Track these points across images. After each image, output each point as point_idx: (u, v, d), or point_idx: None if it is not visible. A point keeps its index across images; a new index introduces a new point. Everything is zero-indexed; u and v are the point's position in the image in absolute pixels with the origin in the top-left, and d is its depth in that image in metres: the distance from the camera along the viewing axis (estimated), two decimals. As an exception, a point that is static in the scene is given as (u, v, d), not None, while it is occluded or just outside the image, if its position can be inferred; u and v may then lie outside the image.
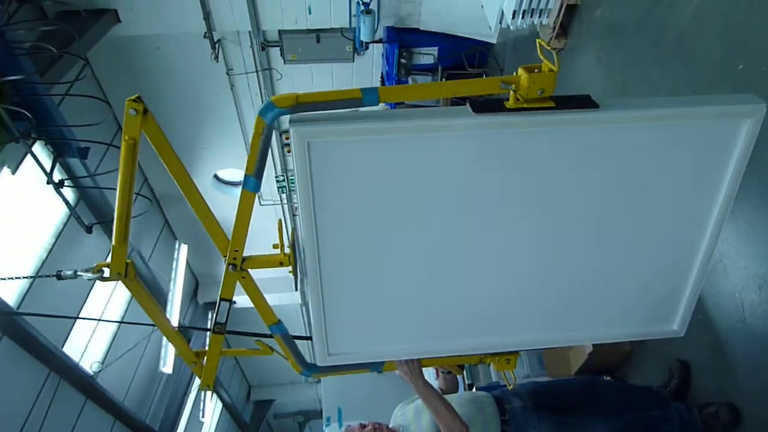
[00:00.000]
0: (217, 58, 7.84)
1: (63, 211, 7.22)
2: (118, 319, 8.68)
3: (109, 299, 8.49)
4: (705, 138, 1.80)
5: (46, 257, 6.98)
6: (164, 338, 8.30)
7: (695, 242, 2.00)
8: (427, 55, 7.79)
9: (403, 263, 1.93)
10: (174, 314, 8.60)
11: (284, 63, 8.29)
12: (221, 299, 2.14)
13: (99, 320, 8.17)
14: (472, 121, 1.64)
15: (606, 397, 2.90)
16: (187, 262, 10.24)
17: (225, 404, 14.05)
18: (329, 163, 1.67)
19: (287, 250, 2.10)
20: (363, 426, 2.64)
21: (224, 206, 10.28)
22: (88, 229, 7.25)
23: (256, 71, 8.35)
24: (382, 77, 8.67)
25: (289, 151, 9.74)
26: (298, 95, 1.58)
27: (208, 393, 2.36)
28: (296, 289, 2.31)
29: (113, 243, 1.98)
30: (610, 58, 4.53)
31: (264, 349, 2.48)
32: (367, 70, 8.82)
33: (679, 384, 3.25)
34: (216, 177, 10.20)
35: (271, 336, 2.32)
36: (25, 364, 6.65)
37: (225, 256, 2.00)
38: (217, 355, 2.34)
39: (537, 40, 1.78)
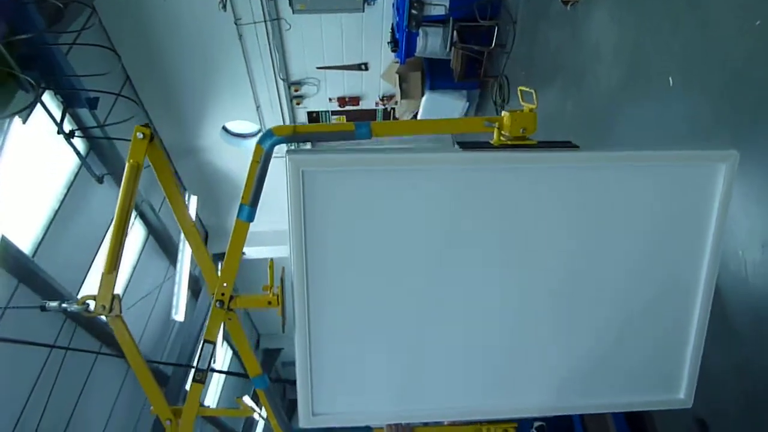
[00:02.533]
0: (225, 7, 7.73)
1: (74, 161, 7.27)
2: (126, 282, 8.84)
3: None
4: (684, 184, 1.82)
5: (59, 207, 7.07)
6: (176, 286, 8.48)
7: (690, 298, 1.94)
8: (438, 6, 7.64)
9: (393, 310, 1.90)
10: (185, 266, 8.75)
11: (293, 13, 8.17)
12: (205, 341, 2.07)
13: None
14: (459, 156, 1.72)
15: None
16: (197, 214, 10.33)
17: (235, 352, 14.42)
18: (322, 192, 1.71)
19: (276, 290, 2.07)
20: None
21: (232, 158, 10.35)
22: (100, 180, 7.32)
23: (265, 21, 8.24)
24: (392, 29, 8.53)
25: (298, 103, 9.70)
26: (296, 126, 1.70)
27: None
28: (283, 332, 2.30)
29: (103, 272, 1.94)
30: (623, 16, 4.45)
31: (244, 408, 2.43)
32: (377, 21, 8.67)
33: None
34: (224, 129, 10.19)
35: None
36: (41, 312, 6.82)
37: (213, 294, 1.97)
38: (194, 411, 2.26)
39: (519, 88, 1.83)
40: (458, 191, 1.77)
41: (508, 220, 1.81)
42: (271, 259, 2.12)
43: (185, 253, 9.04)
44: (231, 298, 1.99)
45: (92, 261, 7.81)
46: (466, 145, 1.72)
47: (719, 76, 3.24)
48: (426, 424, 2.48)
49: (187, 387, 8.30)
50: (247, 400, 8.46)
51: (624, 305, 1.96)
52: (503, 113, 1.71)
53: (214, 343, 2.08)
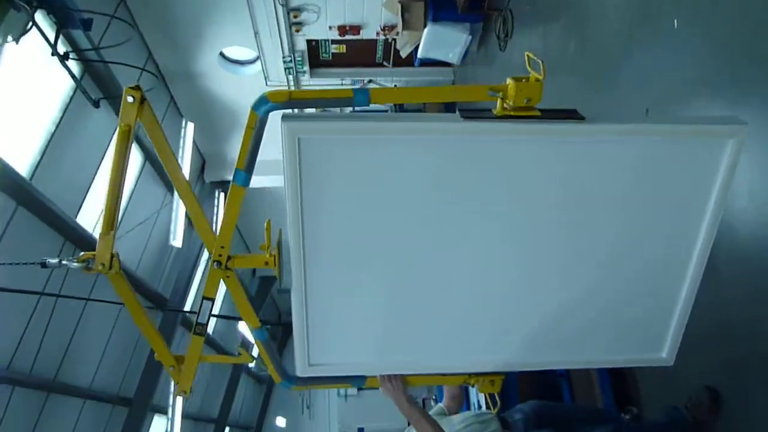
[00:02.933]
0: (223, -75, 7.43)
1: (69, 84, 7.17)
2: (126, 201, 8.88)
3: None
4: (689, 157, 1.78)
5: (55, 130, 7.04)
6: (174, 212, 8.55)
7: (683, 268, 1.97)
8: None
9: (389, 268, 1.91)
10: (182, 192, 8.80)
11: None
12: (204, 298, 2.12)
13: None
14: (460, 125, 1.66)
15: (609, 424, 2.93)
16: (194, 141, 10.29)
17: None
18: (318, 160, 1.67)
19: (273, 251, 2.07)
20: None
21: (229, 85, 10.18)
22: (96, 104, 7.25)
23: (264, -58, 7.93)
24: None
25: (297, 30, 9.48)
26: (292, 92, 1.62)
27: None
28: (280, 287, 2.32)
29: (102, 230, 1.95)
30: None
31: (244, 356, 2.47)
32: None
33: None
34: (222, 55, 9.99)
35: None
36: (42, 234, 6.92)
37: (211, 253, 1.99)
38: (196, 360, 2.32)
39: (525, 52, 1.76)
40: (458, 159, 1.73)
41: (508, 188, 1.79)
42: (268, 220, 2.11)
43: (182, 180, 9.09)
44: (228, 258, 2.01)
45: (90, 184, 7.85)
46: (467, 113, 1.67)
47: (724, 20, 3.20)
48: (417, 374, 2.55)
49: (186, 308, 8.56)
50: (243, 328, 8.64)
51: (618, 271, 1.97)
52: (508, 81, 1.64)
53: (213, 299, 2.14)
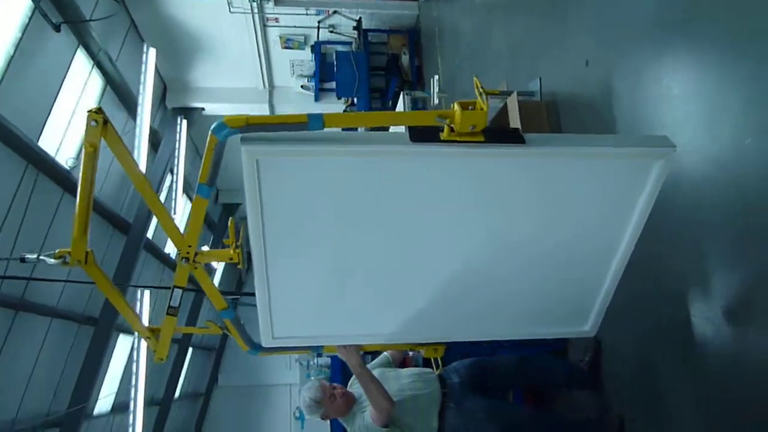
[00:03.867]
0: None
1: (28, 4, 7.06)
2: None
3: (83, 90, 8.64)
4: (621, 174, 1.98)
5: (14, 52, 6.97)
6: (136, 139, 8.63)
7: (607, 262, 2.24)
8: None
9: (341, 260, 2.13)
10: (145, 120, 8.86)
11: None
12: (175, 286, 2.37)
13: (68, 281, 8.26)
14: (408, 149, 1.80)
15: (532, 374, 3.36)
16: (156, 67, 10.19)
17: (194, 205, 14.87)
18: (277, 177, 1.82)
19: (238, 246, 2.33)
20: (334, 387, 3.06)
21: (191, 10, 10.03)
22: (56, 28, 7.17)
23: None
24: None
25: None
26: (248, 117, 1.71)
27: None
28: (246, 272, 2.49)
29: (74, 234, 2.13)
30: None
31: (214, 328, 2.72)
32: None
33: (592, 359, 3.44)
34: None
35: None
36: (3, 157, 6.98)
37: (179, 251, 2.21)
38: (170, 333, 2.59)
39: (474, 78, 1.86)
40: (406, 173, 1.88)
41: (453, 196, 1.97)
42: (231, 218, 2.34)
43: (144, 106, 9.11)
44: (195, 254, 2.23)
45: (51, 108, 7.84)
46: (416, 136, 1.79)
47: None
48: None
49: (149, 235, 8.80)
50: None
51: (549, 262, 2.23)
52: (454, 107, 1.75)
53: (183, 288, 2.38)
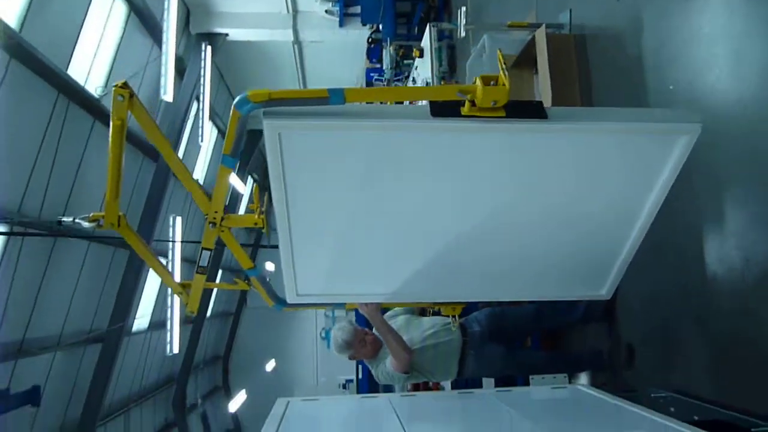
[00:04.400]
0: None
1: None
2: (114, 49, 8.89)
3: (108, 17, 8.66)
4: (645, 148, 1.96)
5: (39, -20, 6.97)
6: (163, 67, 8.68)
7: (626, 232, 2.25)
8: None
9: (362, 228, 2.17)
10: (170, 47, 8.86)
11: None
12: (203, 248, 2.46)
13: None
14: (429, 124, 1.79)
15: (549, 320, 3.47)
16: (178, -11, 10.07)
17: (220, 131, 15.00)
18: (298, 149, 1.83)
19: (262, 211, 2.41)
20: (365, 333, 3.21)
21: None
22: (78, -47, 7.10)
23: None
24: None
25: None
26: (271, 92, 1.69)
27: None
28: (268, 238, 2.53)
29: (107, 199, 2.20)
30: None
31: (241, 284, 2.80)
32: None
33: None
34: None
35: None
36: (36, 87, 7.13)
37: (206, 215, 2.28)
38: (200, 289, 2.68)
39: (498, 52, 1.81)
40: (427, 145, 1.90)
41: (475, 169, 1.98)
42: (255, 184, 2.39)
43: (170, 32, 9.08)
44: (222, 218, 2.31)
45: (78, 37, 7.89)
46: (436, 110, 1.79)
47: None
48: None
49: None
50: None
51: (571, 230, 2.24)
52: (476, 82, 1.73)
53: (211, 250, 2.46)
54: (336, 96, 1.71)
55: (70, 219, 2.33)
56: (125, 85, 1.98)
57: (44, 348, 8.32)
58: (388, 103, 3.75)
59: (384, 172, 1.97)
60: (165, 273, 2.68)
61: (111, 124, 2.05)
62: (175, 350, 11.03)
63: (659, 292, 3.21)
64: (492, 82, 1.71)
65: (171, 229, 10.18)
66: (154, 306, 12.56)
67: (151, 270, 9.90)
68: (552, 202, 2.13)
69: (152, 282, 11.78)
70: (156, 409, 13.92)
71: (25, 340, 7.89)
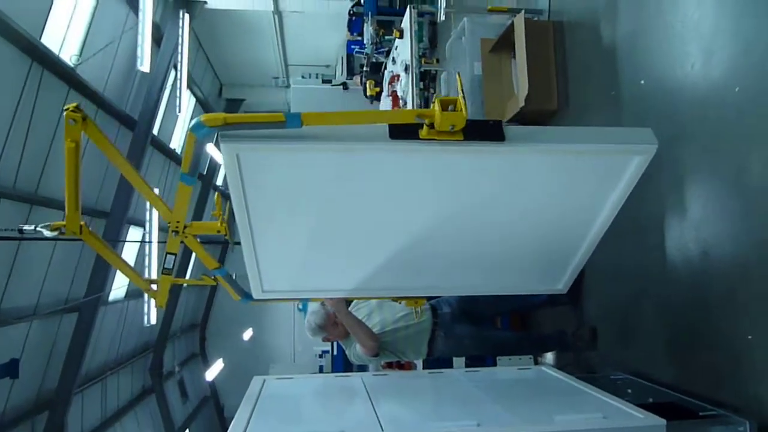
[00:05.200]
0: None
1: None
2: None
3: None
4: (600, 167, 2.04)
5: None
6: (139, 36, 8.54)
7: (583, 235, 2.38)
8: None
9: (321, 235, 2.24)
10: (147, 14, 8.71)
11: None
12: (168, 253, 2.50)
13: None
14: (387, 146, 1.82)
15: (517, 300, 3.55)
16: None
17: (198, 100, 14.81)
18: (257, 169, 1.89)
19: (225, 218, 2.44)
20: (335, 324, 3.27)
21: None
22: None
23: None
24: None
25: None
26: (226, 116, 1.71)
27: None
28: (232, 244, 2.59)
29: (67, 210, 2.20)
30: None
31: (207, 280, 2.86)
32: None
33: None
34: None
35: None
36: (8, 54, 6.97)
37: (168, 223, 2.31)
38: (167, 288, 2.76)
39: (457, 74, 1.85)
40: (386, 169, 1.96)
41: (434, 186, 2.05)
42: (217, 193, 2.41)
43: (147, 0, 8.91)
44: (185, 227, 2.34)
45: (51, 5, 7.69)
46: (395, 133, 1.81)
47: None
48: None
49: (155, 131, 8.94)
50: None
51: (526, 236, 2.38)
52: (435, 107, 1.75)
53: (175, 254, 2.52)
54: (293, 120, 1.72)
55: (32, 227, 2.28)
56: (77, 109, 1.96)
57: (20, 318, 8.31)
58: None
59: (344, 187, 2.02)
60: (133, 274, 2.72)
61: (65, 146, 2.02)
62: (153, 321, 11.08)
63: (622, 275, 3.35)
64: (450, 107, 1.74)
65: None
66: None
67: (128, 236, 9.81)
68: (509, 215, 2.21)
69: (130, 251, 11.76)
70: (133, 376, 14.00)
71: (0, 310, 7.88)
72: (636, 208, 3.10)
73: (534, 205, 2.20)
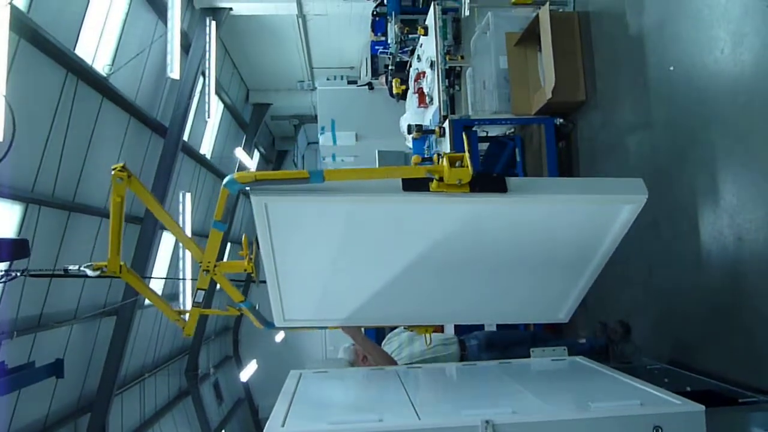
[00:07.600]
0: None
1: None
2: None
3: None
4: (596, 213, 2.21)
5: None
6: (169, 44, 8.72)
7: (581, 271, 2.52)
8: None
9: (341, 274, 2.44)
10: (175, 23, 8.88)
11: None
12: (198, 289, 2.68)
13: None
14: (400, 198, 2.03)
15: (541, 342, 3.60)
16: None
17: (226, 106, 15.02)
18: (283, 217, 2.08)
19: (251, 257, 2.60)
20: (365, 359, 3.38)
21: None
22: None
23: None
24: None
25: None
26: (256, 174, 1.90)
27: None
28: (257, 281, 2.83)
29: (109, 252, 2.44)
30: None
31: (232, 311, 3.00)
32: None
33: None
34: None
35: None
36: (45, 66, 7.19)
37: (200, 263, 2.48)
38: (196, 318, 2.89)
39: (463, 134, 2.00)
40: (400, 217, 2.18)
41: (443, 233, 2.25)
42: (245, 235, 2.63)
43: (174, 8, 9.09)
44: (215, 266, 2.51)
45: (84, 16, 7.91)
46: (408, 185, 2.03)
47: None
48: None
49: (185, 137, 9.14)
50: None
51: (527, 273, 2.53)
52: (443, 163, 1.96)
53: (205, 290, 2.68)
54: (315, 176, 1.92)
55: (76, 267, 2.51)
56: (123, 168, 2.20)
57: (60, 322, 8.55)
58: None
59: (361, 232, 2.23)
60: (164, 306, 2.86)
61: (111, 200, 2.29)
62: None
63: (658, 264, 3.32)
64: (457, 163, 1.95)
65: (181, 205, 10.33)
66: (166, 275, 12.78)
67: (162, 241, 10.02)
68: (513, 250, 2.38)
69: (163, 257, 11.99)
70: (170, 379, 14.27)
71: (43, 315, 8.12)
72: (668, 195, 3.09)
73: (535, 246, 2.38)
